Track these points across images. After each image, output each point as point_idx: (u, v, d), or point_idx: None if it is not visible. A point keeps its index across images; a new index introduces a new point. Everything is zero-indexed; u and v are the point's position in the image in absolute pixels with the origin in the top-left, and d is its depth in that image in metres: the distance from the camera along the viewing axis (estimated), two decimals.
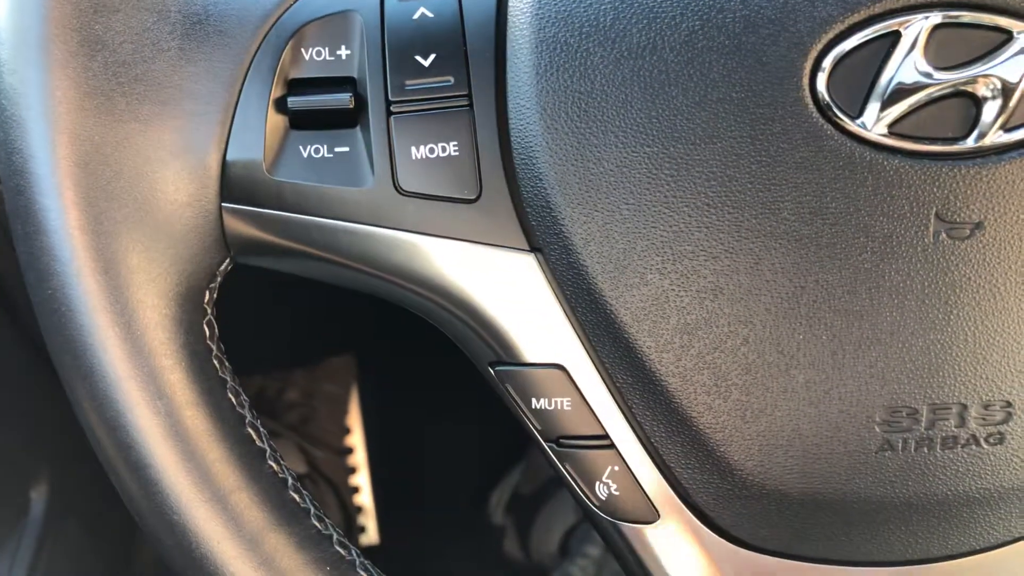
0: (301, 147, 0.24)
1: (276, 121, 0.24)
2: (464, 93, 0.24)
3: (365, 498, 0.91)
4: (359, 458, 0.94)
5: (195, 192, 0.24)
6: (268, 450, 0.26)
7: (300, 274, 0.27)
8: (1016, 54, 0.24)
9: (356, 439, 0.95)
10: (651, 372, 0.24)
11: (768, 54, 0.23)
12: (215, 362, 0.25)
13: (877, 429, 0.25)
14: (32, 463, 0.65)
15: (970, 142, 0.24)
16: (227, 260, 0.26)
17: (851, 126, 0.24)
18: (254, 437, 0.25)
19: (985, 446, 0.25)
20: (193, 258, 0.24)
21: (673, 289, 0.24)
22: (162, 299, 0.24)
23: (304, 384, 0.94)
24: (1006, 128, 0.24)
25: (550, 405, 0.25)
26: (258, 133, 0.24)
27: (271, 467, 0.26)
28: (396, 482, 0.93)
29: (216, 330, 0.26)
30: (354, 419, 0.96)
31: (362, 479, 0.92)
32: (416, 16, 0.24)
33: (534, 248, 0.25)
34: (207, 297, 0.25)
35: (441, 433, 0.91)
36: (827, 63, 0.24)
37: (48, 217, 0.22)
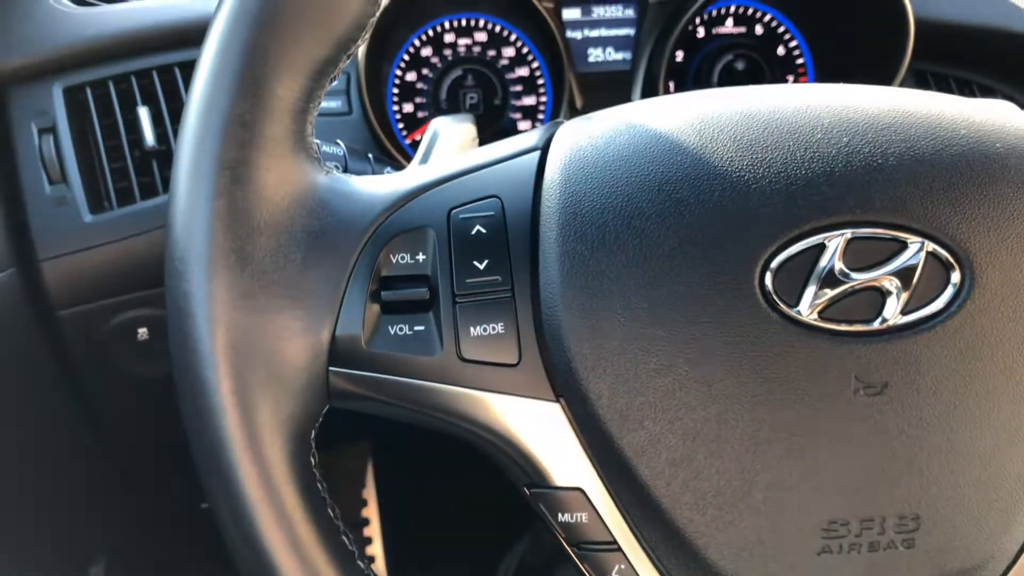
0: (389, 327, 0.33)
1: (371, 308, 0.33)
2: (508, 288, 0.33)
3: (379, 567, 0.97)
4: (373, 529, 1.00)
5: (311, 360, 0.32)
6: (356, 552, 0.33)
7: (381, 415, 0.35)
8: (910, 258, 0.32)
9: (371, 511, 1.01)
10: (648, 495, 0.32)
11: (729, 262, 0.32)
12: (318, 484, 0.33)
13: (819, 537, 0.33)
14: (91, 539, 0.71)
15: (877, 323, 0.32)
16: (327, 406, 0.34)
17: (791, 312, 0.32)
18: (347, 542, 0.33)
19: (901, 548, 0.33)
20: (306, 408, 0.33)
21: (663, 433, 0.32)
22: (284, 440, 0.32)
23: (324, 459, 1.00)
24: (904, 312, 0.33)
25: (572, 519, 0.33)
26: (358, 317, 0.32)
27: (360, 566, 0.33)
28: (408, 553, 0.98)
29: (317, 457, 0.34)
30: (369, 493, 1.02)
31: (376, 549, 0.98)
32: (473, 232, 0.33)
33: (559, 399, 0.33)
34: (312, 435, 0.33)
35: (451, 504, 0.97)
36: (773, 266, 0.32)
37: (208, 384, 0.31)
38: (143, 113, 0.62)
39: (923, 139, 0.34)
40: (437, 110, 0.75)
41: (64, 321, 0.61)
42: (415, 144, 0.75)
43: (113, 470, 0.74)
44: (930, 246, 0.32)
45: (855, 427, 0.32)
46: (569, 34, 0.77)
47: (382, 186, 0.35)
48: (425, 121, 0.76)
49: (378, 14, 0.34)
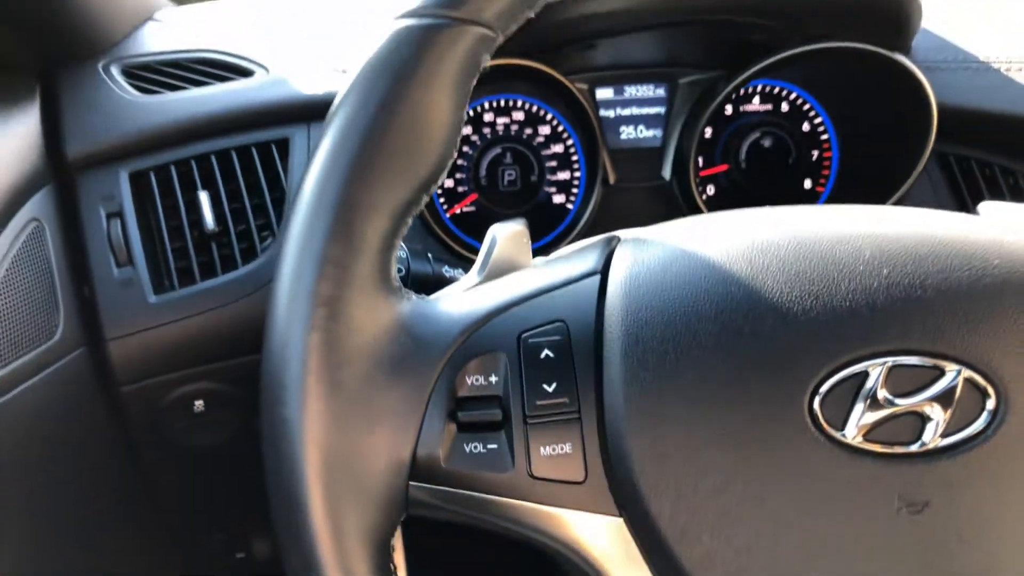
0: (465, 445, 0.35)
1: (449, 427, 0.36)
2: (575, 410, 0.35)
3: None
4: None
5: (393, 476, 0.35)
6: None
7: (455, 522, 0.37)
8: (948, 384, 0.35)
9: None
10: None
11: (780, 390, 0.34)
12: None
13: None
14: None
15: (918, 446, 0.35)
16: (405, 514, 0.36)
17: (837, 436, 0.35)
18: None
19: None
20: (388, 518, 0.35)
21: (719, 548, 0.34)
22: (368, 551, 0.34)
23: None
24: (943, 435, 0.35)
25: None
26: (437, 435, 0.35)
27: None
28: None
29: (394, 563, 0.36)
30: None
31: None
32: (543, 356, 0.36)
33: (623, 514, 0.35)
34: (392, 540, 0.36)
35: None
36: (821, 392, 0.35)
37: (302, 502, 0.33)
38: (203, 197, 0.66)
39: (959, 270, 0.36)
40: (477, 186, 0.79)
41: (126, 396, 0.64)
42: (456, 218, 0.79)
43: (162, 534, 0.76)
44: (967, 373, 0.35)
45: (899, 543, 0.34)
46: (602, 112, 0.80)
47: (457, 307, 0.38)
48: (466, 196, 0.79)
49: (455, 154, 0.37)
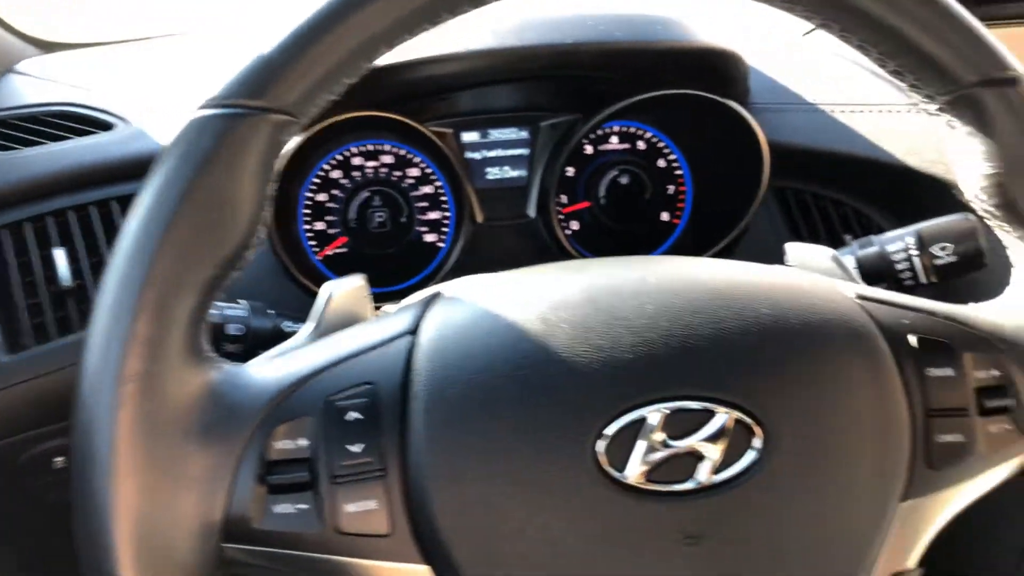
0: (275, 506, 0.37)
1: (260, 490, 0.37)
2: (381, 468, 0.37)
3: None
4: None
5: (205, 539, 0.37)
6: None
7: None
8: (718, 426, 0.39)
9: None
10: None
11: (567, 439, 0.37)
12: None
13: None
14: None
15: (693, 484, 0.38)
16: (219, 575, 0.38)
17: (619, 478, 0.38)
18: None
19: None
20: None
21: None
22: None
23: None
24: (715, 472, 0.39)
25: None
26: (248, 498, 0.37)
27: None
28: None
29: None
30: None
31: None
32: (349, 418, 0.38)
33: (429, 564, 0.38)
34: None
35: None
36: (605, 437, 0.38)
37: (113, 571, 0.35)
38: (58, 253, 0.66)
39: (730, 320, 0.40)
40: (347, 228, 0.81)
41: None
42: (327, 260, 0.80)
43: None
44: (736, 414, 0.39)
45: (678, 570, 0.38)
46: (469, 154, 0.83)
47: (268, 373, 0.40)
48: (336, 238, 0.81)
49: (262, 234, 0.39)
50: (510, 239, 0.84)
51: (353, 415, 0.38)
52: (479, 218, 0.82)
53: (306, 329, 0.45)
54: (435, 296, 0.44)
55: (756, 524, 0.39)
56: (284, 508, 0.37)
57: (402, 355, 0.40)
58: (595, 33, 0.73)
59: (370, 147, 0.81)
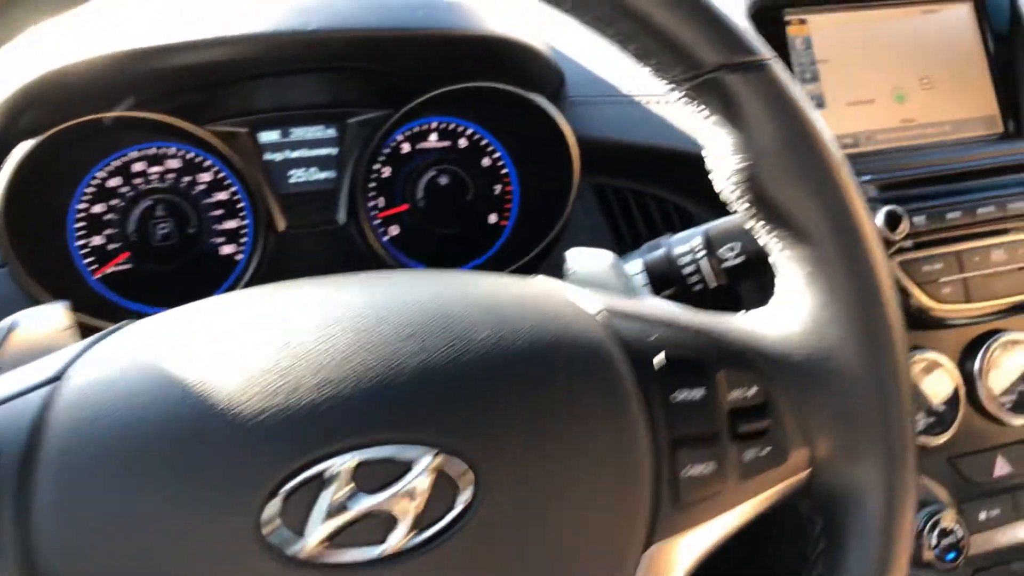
0: None
1: None
2: None
3: None
4: None
5: None
6: None
7: None
8: (416, 476, 0.33)
9: None
10: None
11: (229, 505, 0.31)
12: None
13: None
14: None
15: (384, 549, 0.32)
16: None
17: (292, 551, 0.31)
18: None
19: None
20: None
21: None
22: None
23: None
24: (414, 531, 0.33)
25: None
26: None
27: None
28: None
29: None
30: None
31: None
32: None
33: None
34: None
35: None
36: (278, 497, 0.32)
37: None
38: None
39: (439, 349, 0.35)
40: (127, 243, 0.72)
41: None
42: (107, 279, 0.72)
43: None
44: (438, 461, 0.33)
45: None
46: (268, 156, 0.76)
47: None
48: (118, 253, 0.72)
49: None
50: (319, 248, 0.77)
51: None
52: (281, 226, 0.74)
53: None
54: (110, 333, 0.37)
55: None
56: None
57: (32, 411, 0.33)
58: (387, 17, 0.66)
59: (153, 150, 0.72)
